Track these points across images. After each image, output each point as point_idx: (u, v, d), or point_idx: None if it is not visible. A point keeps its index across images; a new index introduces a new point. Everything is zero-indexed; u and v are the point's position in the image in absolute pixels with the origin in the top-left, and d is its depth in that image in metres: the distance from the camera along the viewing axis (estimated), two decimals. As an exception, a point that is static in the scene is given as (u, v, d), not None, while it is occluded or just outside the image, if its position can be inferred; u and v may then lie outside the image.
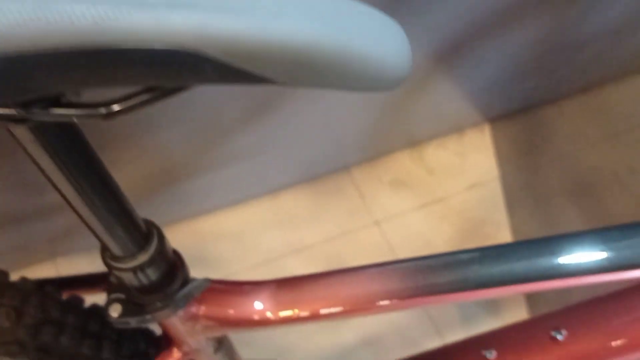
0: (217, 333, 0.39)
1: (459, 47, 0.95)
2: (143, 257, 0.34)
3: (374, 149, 1.18)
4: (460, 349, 0.49)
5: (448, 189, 1.18)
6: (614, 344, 0.41)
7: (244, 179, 1.06)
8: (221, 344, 0.42)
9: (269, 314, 0.36)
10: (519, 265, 0.36)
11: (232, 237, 1.09)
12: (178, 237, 1.06)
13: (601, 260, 0.35)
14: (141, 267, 0.34)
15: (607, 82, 1.30)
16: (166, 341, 0.41)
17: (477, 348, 0.47)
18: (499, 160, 1.21)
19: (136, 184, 0.91)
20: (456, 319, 1.05)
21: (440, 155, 1.21)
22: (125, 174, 0.85)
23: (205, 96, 0.77)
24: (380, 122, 1.10)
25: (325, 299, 0.36)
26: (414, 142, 1.21)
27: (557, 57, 1.05)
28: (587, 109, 1.27)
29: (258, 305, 0.36)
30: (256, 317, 0.36)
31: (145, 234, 0.35)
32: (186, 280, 0.37)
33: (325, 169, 1.16)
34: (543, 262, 0.36)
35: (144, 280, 0.35)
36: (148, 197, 0.96)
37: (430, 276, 0.35)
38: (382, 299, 0.36)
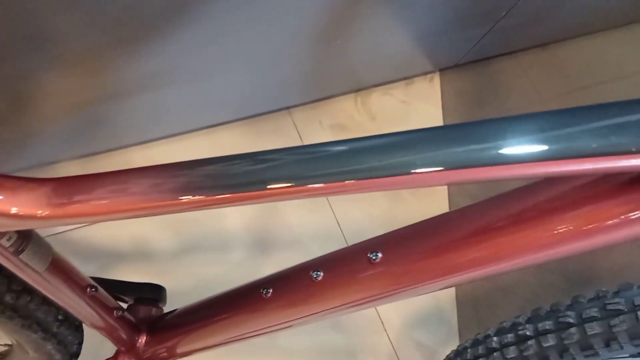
0: (4, 229, 0.39)
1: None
2: None
3: (318, 91, 1.17)
4: (292, 272, 0.50)
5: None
6: (422, 264, 0.42)
7: (179, 110, 1.05)
8: (26, 242, 0.42)
9: (50, 211, 0.36)
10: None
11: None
12: (110, 167, 1.07)
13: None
14: None
15: (567, 39, 1.27)
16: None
17: (307, 270, 0.48)
18: (445, 111, 1.20)
19: (65, 102, 0.91)
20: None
21: (385, 102, 1.20)
22: (53, 98, 0.84)
23: None
24: (325, 64, 1.08)
25: (107, 198, 0.36)
26: (359, 88, 1.20)
27: (499, 4, 1.02)
28: (543, 64, 1.25)
29: (39, 201, 0.37)
30: (37, 213, 0.36)
31: None
32: None
33: (265, 108, 1.15)
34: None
35: None
36: (79, 118, 0.96)
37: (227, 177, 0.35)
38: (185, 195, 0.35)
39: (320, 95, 1.18)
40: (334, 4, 0.91)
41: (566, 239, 0.38)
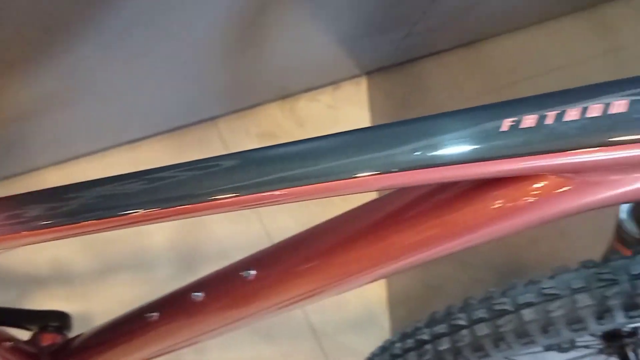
0: None
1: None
2: None
3: (243, 100, 1.15)
4: (176, 294, 0.49)
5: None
6: (295, 277, 0.42)
7: (96, 127, 1.01)
8: None
9: None
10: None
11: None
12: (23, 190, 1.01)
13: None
14: None
15: (490, 37, 1.28)
16: None
17: (189, 292, 0.49)
18: (372, 114, 1.19)
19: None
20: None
21: (313, 107, 1.19)
22: None
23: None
24: (247, 71, 1.06)
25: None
26: (286, 95, 1.18)
27: (413, 7, 1.02)
28: (468, 63, 1.26)
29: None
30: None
31: None
32: None
33: (189, 120, 1.12)
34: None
35: None
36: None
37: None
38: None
39: (245, 104, 1.16)
40: (247, 9, 0.89)
41: (436, 240, 0.37)
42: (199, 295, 0.47)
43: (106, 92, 0.94)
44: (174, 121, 1.11)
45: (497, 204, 0.35)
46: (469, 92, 1.22)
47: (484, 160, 0.31)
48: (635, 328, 0.70)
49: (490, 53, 1.28)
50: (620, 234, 0.56)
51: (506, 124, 0.31)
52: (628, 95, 0.31)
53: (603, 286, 0.47)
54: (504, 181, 0.34)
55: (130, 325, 0.52)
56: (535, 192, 0.34)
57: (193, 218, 1.14)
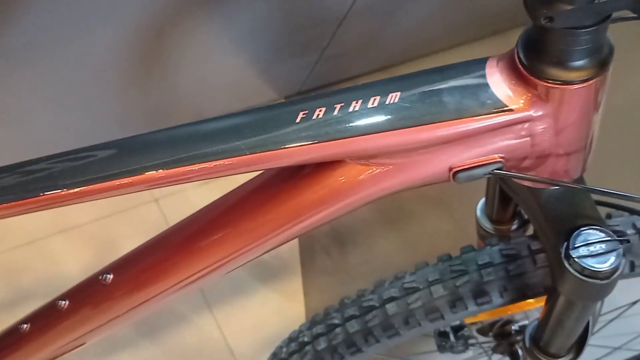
0: None
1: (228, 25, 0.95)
2: None
3: (160, 127, 1.17)
4: (46, 305, 0.53)
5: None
6: (153, 283, 0.44)
7: (9, 145, 1.02)
8: None
9: None
10: None
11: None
12: None
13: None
14: None
15: (406, 61, 1.34)
16: None
17: (56, 300, 0.52)
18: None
19: None
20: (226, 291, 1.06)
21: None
22: None
23: None
24: (164, 99, 1.09)
25: None
26: (204, 120, 1.21)
27: (319, 33, 1.08)
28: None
29: None
30: None
31: None
32: None
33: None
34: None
35: None
36: None
37: None
38: None
39: (163, 130, 1.18)
40: (152, 37, 0.92)
41: (275, 225, 0.41)
42: (63, 303, 0.50)
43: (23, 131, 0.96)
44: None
45: (319, 188, 0.39)
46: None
47: (284, 148, 0.36)
48: (523, 326, 0.74)
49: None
50: (478, 229, 0.61)
51: (300, 116, 0.36)
52: (400, 90, 0.36)
53: (454, 277, 0.52)
54: (321, 167, 0.39)
55: (4, 340, 0.54)
56: (342, 178, 0.38)
57: (107, 243, 1.14)
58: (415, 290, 0.53)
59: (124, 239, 1.08)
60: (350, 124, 0.36)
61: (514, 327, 0.74)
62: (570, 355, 0.52)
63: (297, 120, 0.36)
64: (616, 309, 0.74)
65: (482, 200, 0.59)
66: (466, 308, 0.51)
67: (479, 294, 0.51)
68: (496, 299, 0.51)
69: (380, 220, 1.15)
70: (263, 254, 0.44)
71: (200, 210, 0.46)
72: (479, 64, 0.38)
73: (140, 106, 1.08)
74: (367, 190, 0.39)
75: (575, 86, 0.36)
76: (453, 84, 0.37)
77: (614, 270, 0.40)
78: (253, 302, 1.07)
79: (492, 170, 0.38)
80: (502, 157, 0.38)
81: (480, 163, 0.38)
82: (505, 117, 0.37)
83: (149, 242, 0.48)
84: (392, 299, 0.53)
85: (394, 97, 0.37)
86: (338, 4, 1.04)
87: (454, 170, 0.38)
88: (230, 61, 1.09)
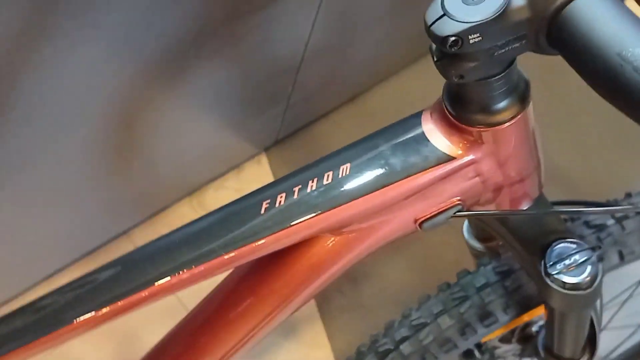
0: None
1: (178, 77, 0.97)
2: None
3: (150, 207, 1.20)
4: None
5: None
6: None
7: (3, 273, 1.04)
8: None
9: None
10: None
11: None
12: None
13: None
14: None
15: (371, 87, 1.37)
16: None
17: None
18: (278, 187, 1.25)
19: None
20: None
21: (221, 195, 1.24)
22: None
23: None
24: (146, 177, 1.11)
25: None
26: (192, 190, 1.24)
27: (279, 84, 1.10)
28: (356, 116, 1.34)
29: None
30: None
31: None
32: None
33: (101, 239, 1.16)
34: None
35: None
36: None
37: None
38: None
39: (154, 209, 1.20)
40: (122, 119, 0.95)
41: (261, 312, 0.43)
42: None
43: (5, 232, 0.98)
44: (85, 245, 1.15)
45: (299, 267, 0.41)
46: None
47: (256, 241, 0.38)
48: (542, 326, 0.75)
49: (373, 102, 1.37)
50: (469, 250, 0.63)
51: (264, 207, 0.38)
52: (350, 161, 0.39)
53: (457, 304, 0.53)
54: (297, 246, 0.41)
55: None
56: (320, 251, 0.41)
57: (127, 337, 1.15)
58: (424, 325, 0.54)
59: (138, 325, 1.09)
60: (311, 204, 0.39)
61: (534, 328, 0.75)
62: (586, 356, 0.54)
63: (262, 212, 0.39)
64: (627, 289, 0.75)
65: (466, 221, 0.61)
66: (475, 332, 0.53)
67: (484, 316, 0.52)
68: (502, 317, 0.53)
69: (383, 247, 1.17)
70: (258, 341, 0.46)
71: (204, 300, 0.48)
72: (415, 120, 0.41)
73: (127, 194, 1.11)
74: (345, 257, 0.41)
75: (504, 125, 0.39)
76: (396, 146, 0.40)
77: (593, 278, 0.42)
78: (278, 358, 1.08)
79: (454, 213, 0.40)
80: (459, 200, 0.41)
81: (441, 210, 0.40)
82: (449, 166, 0.40)
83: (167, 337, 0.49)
84: (404, 339, 0.55)
85: (345, 170, 0.39)
86: (291, 53, 1.07)
87: (419, 221, 0.41)
88: (203, 130, 1.11)
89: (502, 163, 0.40)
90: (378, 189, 0.39)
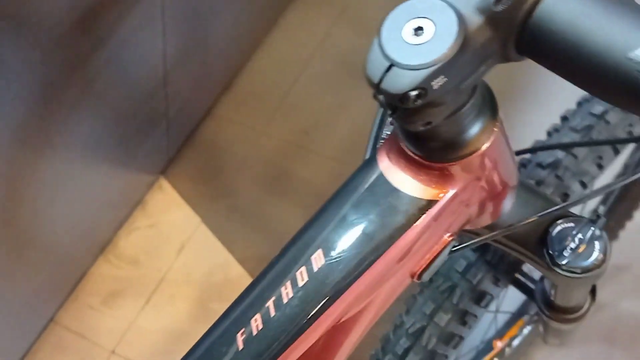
0: None
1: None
2: None
3: (68, 280, 1.09)
4: None
5: (162, 267, 1.12)
6: None
7: None
8: None
9: None
10: None
11: None
12: None
13: None
14: None
15: (242, 67, 1.30)
16: None
17: None
18: (191, 203, 1.17)
19: None
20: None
21: (135, 238, 1.15)
22: None
23: None
24: (48, 254, 1.01)
25: None
26: (102, 246, 1.13)
27: (151, 104, 1.02)
28: (237, 102, 1.27)
29: None
30: None
31: None
32: None
33: (32, 336, 1.05)
34: None
35: None
36: None
37: None
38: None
39: (72, 283, 1.10)
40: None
41: None
42: None
43: None
44: (18, 347, 1.04)
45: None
46: (256, 125, 1.24)
47: None
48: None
49: (248, 83, 1.30)
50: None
51: (239, 340, 0.32)
52: (319, 246, 0.33)
53: (448, 296, 0.50)
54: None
55: None
56: (316, 349, 0.35)
57: None
58: (422, 329, 0.51)
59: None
60: (293, 319, 0.32)
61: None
62: (588, 303, 0.52)
63: (240, 346, 0.31)
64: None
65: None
66: (476, 317, 0.50)
67: (479, 297, 0.50)
68: (496, 291, 0.50)
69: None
70: None
71: None
72: (373, 171, 0.34)
73: (38, 279, 1.00)
74: (344, 343, 0.35)
75: (483, 148, 0.34)
76: (367, 210, 0.33)
77: (604, 252, 0.39)
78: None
79: (451, 250, 0.36)
80: (451, 236, 0.36)
81: (435, 255, 0.35)
82: (433, 210, 0.34)
83: None
84: (408, 350, 0.52)
85: (318, 259, 0.32)
86: (152, 70, 0.99)
87: (417, 274, 0.36)
88: (93, 179, 1.02)
89: (488, 181, 0.36)
90: (365, 270, 0.33)
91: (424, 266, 0.35)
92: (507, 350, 0.87)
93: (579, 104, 0.57)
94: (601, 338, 1.05)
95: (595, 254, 0.39)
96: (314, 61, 1.29)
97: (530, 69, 0.39)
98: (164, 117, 1.10)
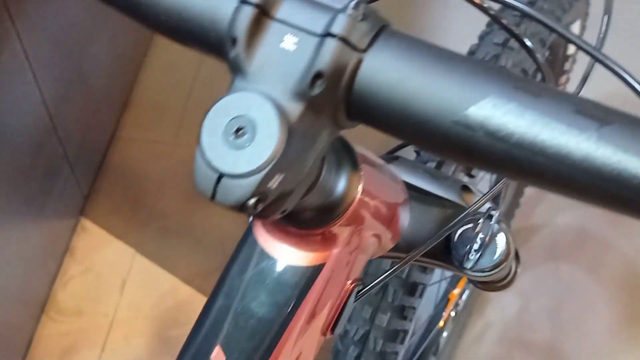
0: None
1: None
2: None
3: (16, 350, 1.05)
4: None
5: (108, 310, 1.09)
6: None
7: None
8: None
9: None
10: None
11: None
12: None
13: None
14: None
15: (134, 80, 1.25)
16: None
17: None
18: (117, 236, 1.14)
19: None
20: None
21: (73, 288, 1.11)
22: None
23: None
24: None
25: None
26: (39, 305, 1.09)
27: (49, 148, 0.97)
28: (140, 114, 1.23)
29: None
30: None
31: None
32: None
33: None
34: None
35: None
36: None
37: None
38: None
39: (22, 349, 1.06)
40: None
41: None
42: None
43: None
44: None
45: None
46: (164, 137, 1.20)
47: None
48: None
49: (145, 96, 1.25)
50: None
51: None
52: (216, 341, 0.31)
53: (382, 296, 0.50)
54: None
55: None
56: None
57: None
58: (367, 334, 0.51)
59: None
60: None
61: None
62: (514, 267, 0.52)
63: None
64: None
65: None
66: (414, 308, 0.50)
67: (412, 290, 0.50)
68: (427, 278, 0.50)
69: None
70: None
71: None
72: (252, 248, 0.32)
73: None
74: None
75: (356, 197, 0.32)
76: (253, 294, 0.32)
77: (507, 244, 0.39)
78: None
79: (357, 295, 0.35)
80: (353, 282, 0.35)
81: (341, 305, 0.34)
82: (325, 272, 0.32)
83: None
84: (358, 357, 0.51)
85: (219, 357, 0.30)
86: (36, 119, 0.94)
87: (328, 330, 0.34)
88: (12, 238, 0.97)
89: (375, 217, 0.35)
90: (269, 354, 0.31)
91: (331, 322, 0.34)
92: (463, 296, 0.90)
93: (481, 37, 0.59)
94: (545, 256, 1.09)
95: (500, 250, 0.39)
96: (208, 59, 1.26)
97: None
98: (65, 160, 1.05)
